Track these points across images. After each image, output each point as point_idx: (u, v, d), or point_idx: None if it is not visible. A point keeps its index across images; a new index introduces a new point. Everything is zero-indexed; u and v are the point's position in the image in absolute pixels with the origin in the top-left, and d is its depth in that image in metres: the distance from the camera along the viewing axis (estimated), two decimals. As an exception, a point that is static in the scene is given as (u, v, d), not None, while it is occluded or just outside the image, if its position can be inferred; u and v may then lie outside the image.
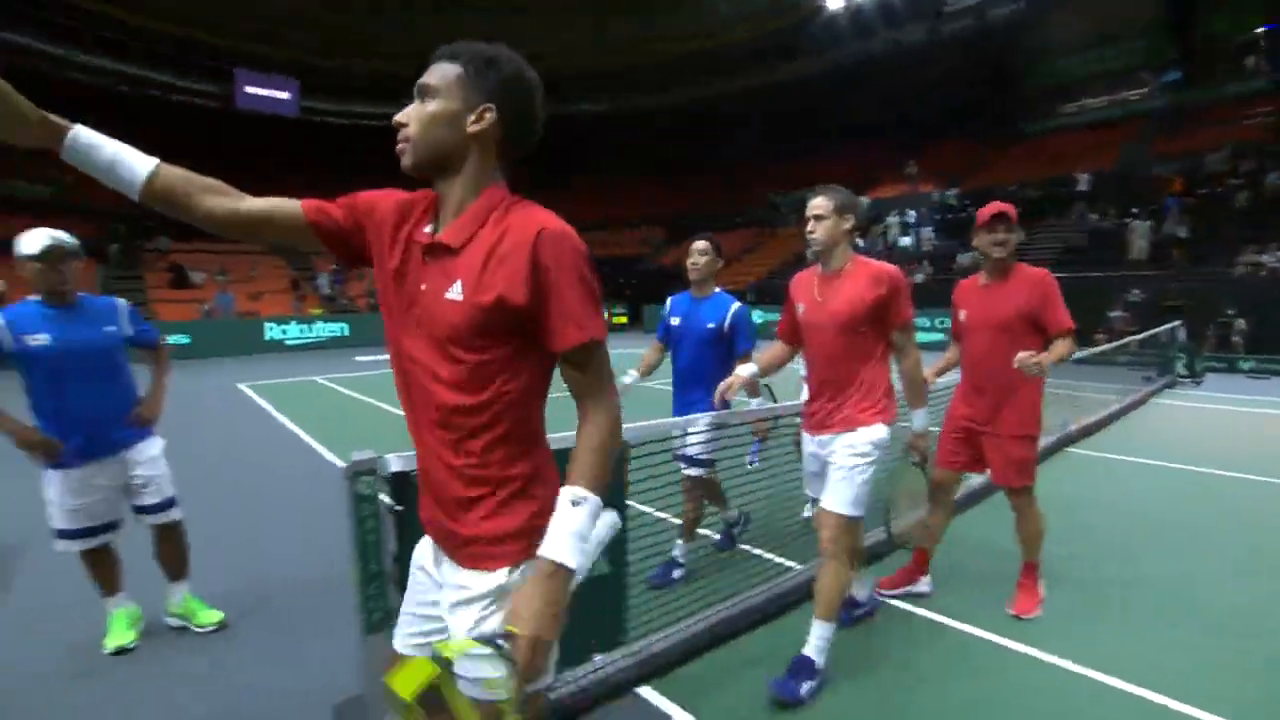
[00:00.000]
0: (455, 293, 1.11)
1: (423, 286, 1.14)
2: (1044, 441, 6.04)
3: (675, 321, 3.48)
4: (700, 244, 3.38)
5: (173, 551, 2.99)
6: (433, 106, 1.14)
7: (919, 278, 17.79)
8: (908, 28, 25.95)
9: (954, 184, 23.49)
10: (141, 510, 2.88)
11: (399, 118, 1.16)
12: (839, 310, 2.48)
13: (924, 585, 3.27)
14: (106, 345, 2.73)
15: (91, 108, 24.93)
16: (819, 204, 2.50)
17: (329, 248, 1.25)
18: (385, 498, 1.81)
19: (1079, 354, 7.09)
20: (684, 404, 3.41)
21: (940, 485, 3.22)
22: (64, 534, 2.71)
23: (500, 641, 1.03)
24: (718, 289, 3.45)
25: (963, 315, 3.15)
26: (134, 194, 1.13)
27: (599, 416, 1.13)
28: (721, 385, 2.74)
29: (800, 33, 27.72)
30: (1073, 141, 23.37)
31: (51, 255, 2.54)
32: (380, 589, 1.73)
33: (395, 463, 1.75)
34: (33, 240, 2.54)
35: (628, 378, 3.63)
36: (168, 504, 2.91)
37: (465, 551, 1.17)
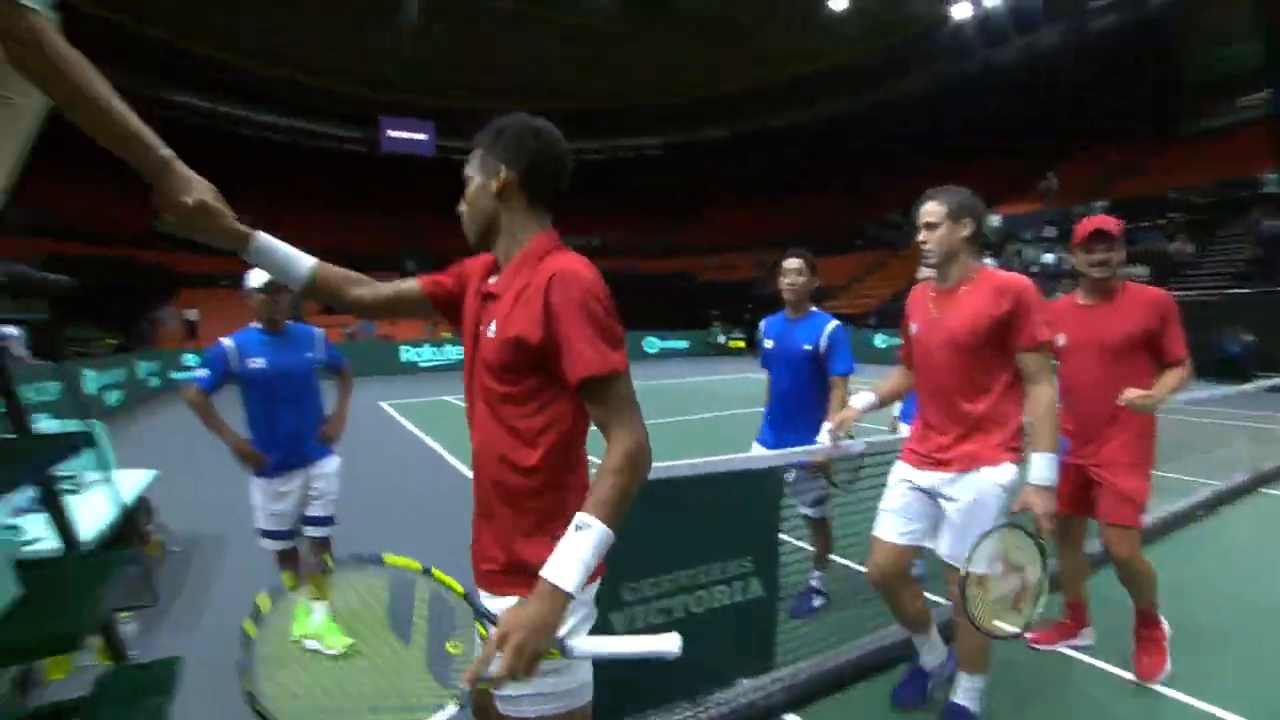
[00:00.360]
0: (492, 330, 1.26)
1: (480, 328, 1.31)
2: (1233, 479, 5.35)
3: (769, 344, 3.26)
4: (793, 262, 3.15)
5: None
6: (470, 188, 1.35)
7: (1058, 296, 16.38)
8: (1044, 30, 24.34)
9: (1098, 195, 21.52)
10: (309, 521, 3.11)
11: (460, 208, 1.38)
12: (957, 328, 2.16)
13: (1086, 638, 2.95)
14: (306, 369, 3.05)
15: (259, 159, 28.48)
16: (931, 209, 2.21)
17: (442, 315, 1.50)
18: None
19: (1272, 381, 6.24)
20: (780, 429, 3.19)
21: (1062, 532, 2.85)
22: (266, 534, 3.04)
23: (487, 622, 1.13)
24: (814, 309, 3.21)
25: (1061, 339, 2.76)
26: (297, 286, 1.41)
27: (616, 445, 1.16)
28: (834, 422, 2.54)
29: (926, 43, 26.71)
30: (1248, 139, 20.67)
31: (272, 288, 2.92)
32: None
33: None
34: (259, 275, 2.90)
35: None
36: (329, 520, 3.14)
37: (500, 578, 1.28)
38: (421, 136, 30.72)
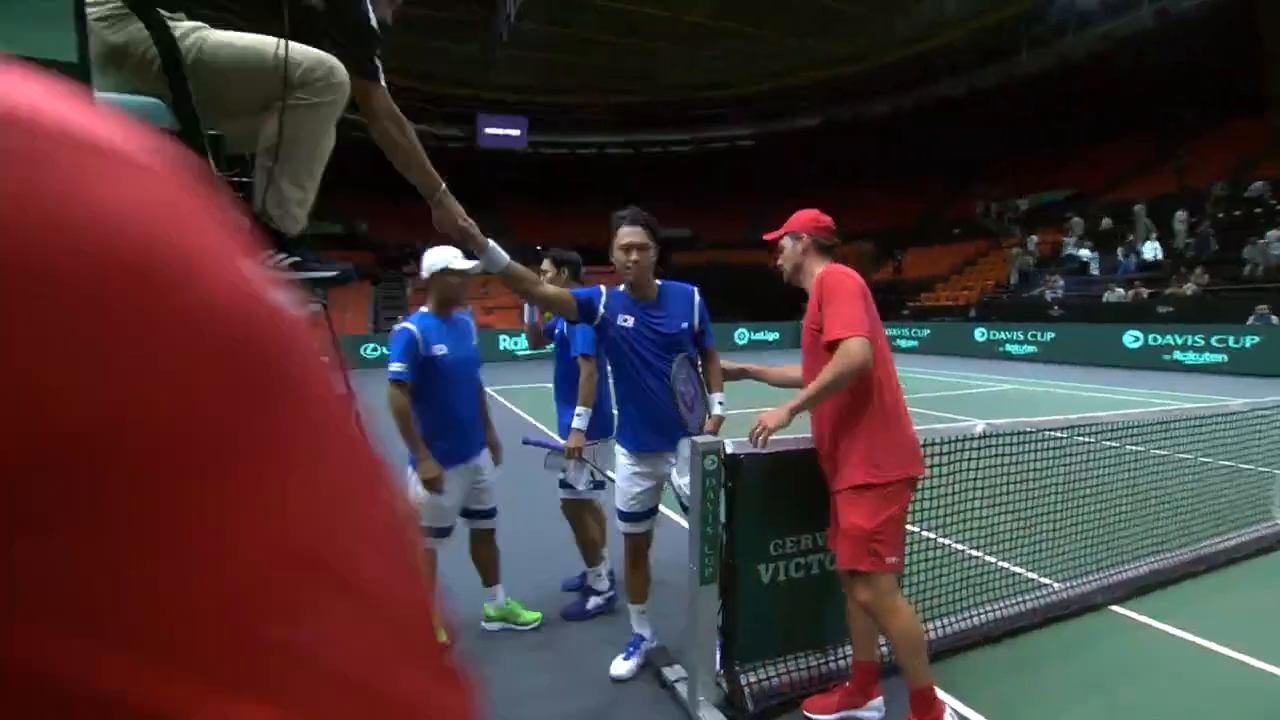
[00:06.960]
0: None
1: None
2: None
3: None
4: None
5: (488, 555, 3.15)
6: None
7: (1189, 289, 15.08)
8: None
9: (1239, 172, 19.59)
10: (473, 514, 3.04)
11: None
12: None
13: (873, 710, 2.39)
14: (477, 358, 3.01)
15: (369, 158, 30.47)
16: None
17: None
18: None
19: None
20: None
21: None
22: (430, 531, 2.81)
23: None
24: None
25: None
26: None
27: None
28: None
29: (1036, 22, 24.96)
30: None
31: (474, 271, 2.82)
32: (714, 548, 2.12)
33: (730, 446, 2.14)
34: (452, 256, 2.88)
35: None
36: (494, 511, 3.12)
37: None
38: (515, 132, 31.88)
